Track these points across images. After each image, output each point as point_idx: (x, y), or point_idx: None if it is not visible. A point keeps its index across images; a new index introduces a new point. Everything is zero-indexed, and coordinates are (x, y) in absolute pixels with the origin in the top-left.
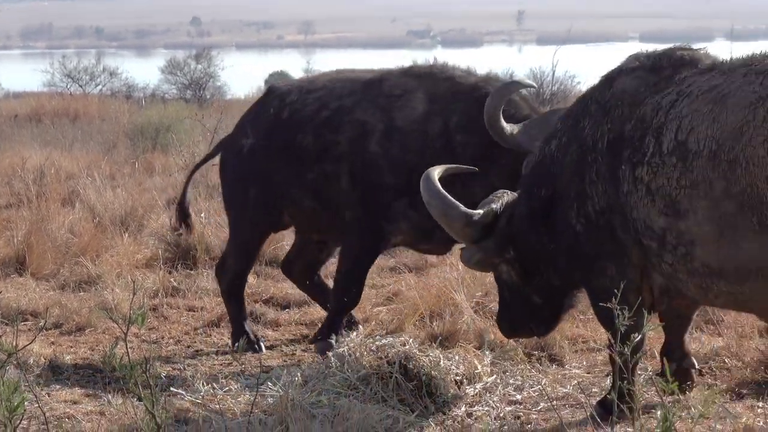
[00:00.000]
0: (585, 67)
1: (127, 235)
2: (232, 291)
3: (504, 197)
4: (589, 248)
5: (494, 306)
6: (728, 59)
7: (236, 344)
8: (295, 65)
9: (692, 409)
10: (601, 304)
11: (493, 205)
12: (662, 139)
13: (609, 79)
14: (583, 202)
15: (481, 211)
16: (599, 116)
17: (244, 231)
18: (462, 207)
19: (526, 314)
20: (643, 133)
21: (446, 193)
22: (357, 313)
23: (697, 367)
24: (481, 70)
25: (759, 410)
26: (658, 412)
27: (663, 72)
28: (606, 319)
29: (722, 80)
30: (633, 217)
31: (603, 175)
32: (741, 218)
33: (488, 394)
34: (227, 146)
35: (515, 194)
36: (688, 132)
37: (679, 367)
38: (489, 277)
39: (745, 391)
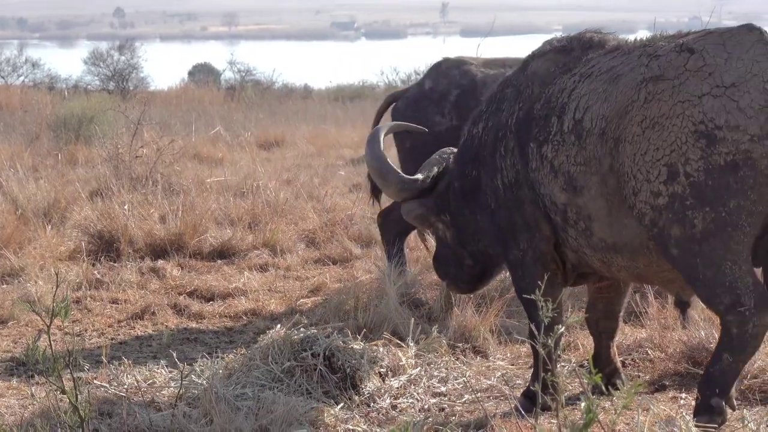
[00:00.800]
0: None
1: (50, 227)
2: None
3: (450, 159)
4: (503, 221)
5: (419, 299)
6: (629, 41)
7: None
8: (219, 57)
9: (615, 400)
10: (517, 277)
11: (431, 171)
12: (564, 118)
13: (525, 63)
14: (495, 176)
15: (417, 176)
16: (513, 98)
17: None
18: (397, 171)
19: (456, 270)
20: (549, 113)
21: (384, 156)
22: (281, 306)
23: (623, 378)
24: (406, 62)
25: (682, 401)
26: (582, 404)
27: (572, 53)
28: (521, 291)
29: (619, 61)
30: (541, 193)
31: (512, 151)
32: (622, 194)
33: (413, 387)
34: None
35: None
36: (584, 111)
37: (609, 381)
38: (414, 268)
39: (667, 383)
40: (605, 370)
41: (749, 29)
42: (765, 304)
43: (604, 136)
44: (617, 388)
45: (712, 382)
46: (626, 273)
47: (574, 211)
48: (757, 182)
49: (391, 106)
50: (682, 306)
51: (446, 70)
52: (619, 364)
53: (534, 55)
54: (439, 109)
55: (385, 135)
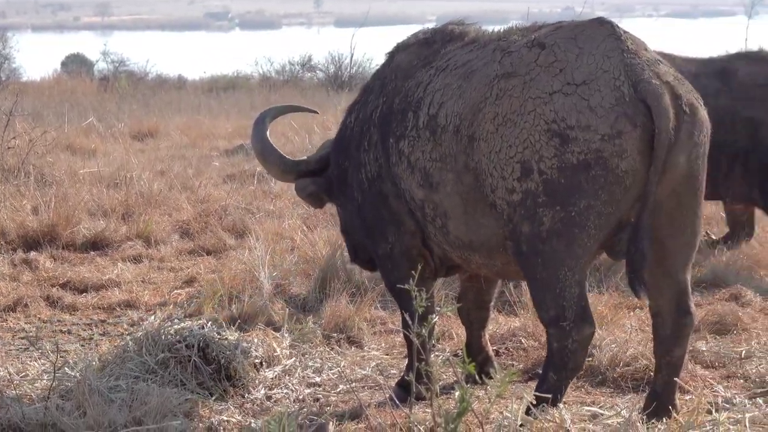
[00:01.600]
0: (383, 50)
1: None
2: None
3: None
4: (370, 215)
5: (294, 289)
6: (488, 32)
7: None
8: (92, 47)
9: (489, 389)
10: (386, 269)
11: (321, 153)
12: (419, 113)
13: (391, 55)
14: (360, 169)
15: (301, 158)
16: (378, 91)
17: None
18: (279, 152)
19: (353, 248)
20: (406, 107)
21: (268, 138)
22: (155, 297)
23: (496, 367)
24: (280, 53)
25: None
26: (456, 393)
27: (433, 46)
28: (391, 284)
29: (474, 55)
30: (402, 188)
31: (375, 145)
32: (478, 193)
33: (287, 377)
34: None
35: None
36: (438, 106)
37: (481, 370)
38: (288, 258)
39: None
40: (477, 359)
41: (600, 23)
42: (584, 318)
43: (459, 133)
44: (490, 377)
45: (540, 400)
46: (486, 270)
47: (431, 208)
48: (608, 182)
49: None
50: None
51: None
52: (491, 353)
53: (399, 48)
54: None
55: (272, 119)
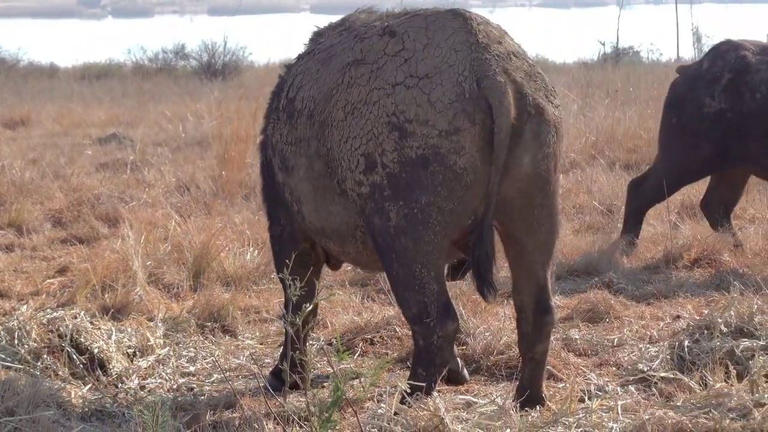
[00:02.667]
0: (257, 39)
1: None
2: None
3: None
4: (266, 196)
5: (167, 279)
6: (361, 18)
7: None
8: None
9: (363, 378)
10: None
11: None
12: (281, 96)
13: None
14: (264, 151)
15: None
16: (282, 79)
17: None
18: None
19: None
20: (277, 90)
21: None
22: (27, 287)
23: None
24: (153, 41)
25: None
26: (330, 382)
27: (325, 33)
28: (277, 269)
29: (338, 41)
30: (273, 171)
31: (267, 130)
32: (328, 180)
33: (161, 366)
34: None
35: None
36: (297, 90)
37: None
38: (162, 247)
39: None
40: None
41: (454, 14)
42: (447, 314)
43: (312, 118)
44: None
45: (414, 388)
46: (345, 259)
47: (289, 192)
48: (447, 178)
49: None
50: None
51: (724, 53)
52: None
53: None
54: (710, 91)
55: None
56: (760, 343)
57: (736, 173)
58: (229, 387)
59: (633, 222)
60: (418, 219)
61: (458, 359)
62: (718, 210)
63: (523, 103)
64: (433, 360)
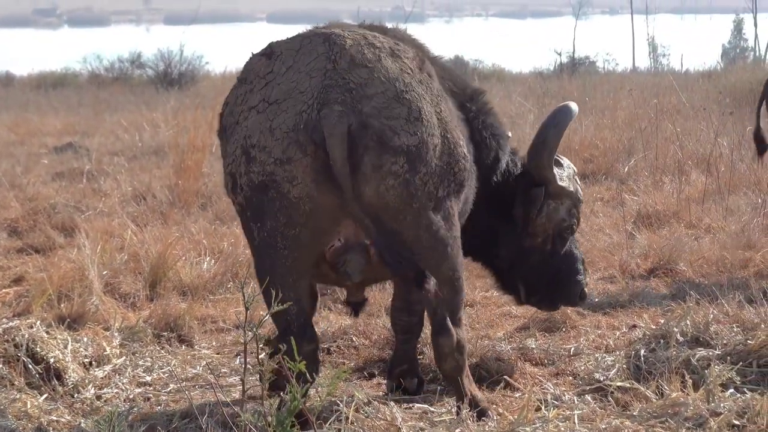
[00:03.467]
0: (213, 48)
1: None
2: None
3: None
4: None
5: (124, 288)
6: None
7: None
8: None
9: (320, 387)
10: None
11: None
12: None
13: None
14: None
15: None
16: None
17: None
18: None
19: None
20: None
21: None
22: None
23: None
24: (109, 50)
25: (386, 387)
26: (287, 391)
27: None
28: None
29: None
30: None
31: None
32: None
33: (117, 376)
34: None
35: None
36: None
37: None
38: (118, 257)
39: (373, 370)
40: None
41: (324, 37)
42: (303, 335)
43: (223, 129)
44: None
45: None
46: None
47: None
48: (284, 206)
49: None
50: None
51: None
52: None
53: None
54: None
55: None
56: (716, 352)
57: None
58: (186, 396)
59: None
60: (268, 242)
61: (415, 378)
62: None
63: (363, 134)
64: (298, 378)
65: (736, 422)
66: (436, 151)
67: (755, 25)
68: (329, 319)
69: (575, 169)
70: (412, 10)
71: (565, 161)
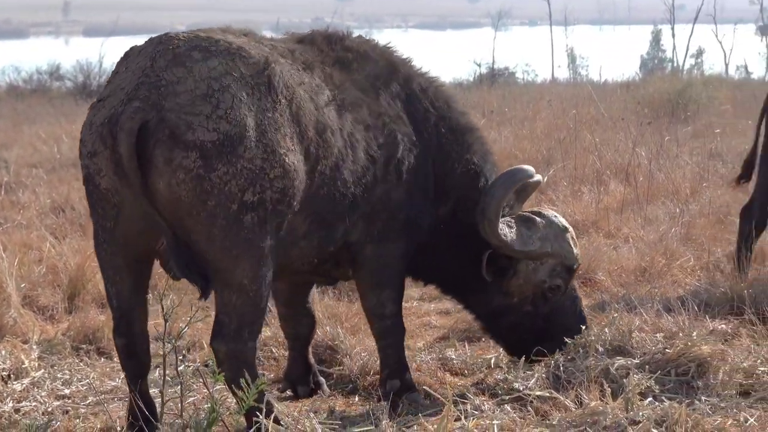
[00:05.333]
0: None
1: None
2: None
3: None
4: None
5: (42, 301)
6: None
7: None
8: None
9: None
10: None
11: None
12: None
13: None
14: None
15: None
16: None
17: None
18: None
19: None
20: None
21: None
22: None
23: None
24: (28, 62)
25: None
26: (207, 404)
27: None
28: None
29: None
30: None
31: None
32: None
33: (36, 389)
34: None
35: None
36: None
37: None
38: (37, 269)
39: None
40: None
41: (158, 40)
42: (117, 330)
43: None
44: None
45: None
46: None
47: None
48: (99, 198)
49: None
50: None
51: None
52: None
53: None
54: None
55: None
56: (635, 361)
57: None
58: (105, 409)
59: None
60: (95, 234)
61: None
62: (758, 218)
63: (157, 128)
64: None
65: (655, 431)
66: (246, 153)
67: (673, 35)
68: None
69: (566, 226)
70: (332, 22)
71: (544, 220)
